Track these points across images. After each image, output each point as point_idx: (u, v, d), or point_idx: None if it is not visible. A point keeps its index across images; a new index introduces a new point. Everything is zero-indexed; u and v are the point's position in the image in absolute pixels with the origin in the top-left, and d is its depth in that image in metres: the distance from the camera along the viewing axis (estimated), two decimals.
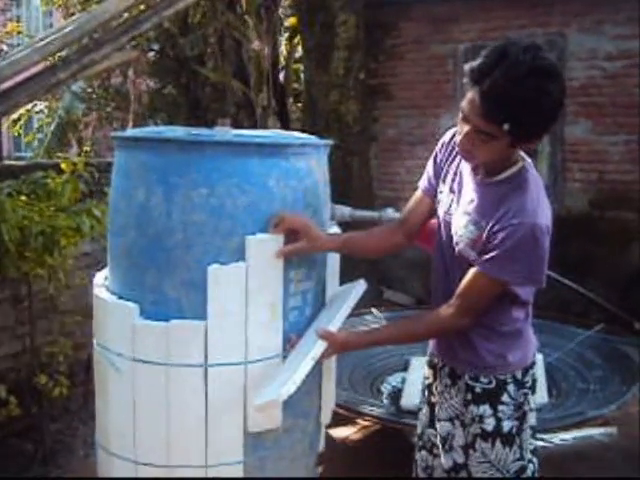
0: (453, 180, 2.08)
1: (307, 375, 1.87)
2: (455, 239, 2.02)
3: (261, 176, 1.97)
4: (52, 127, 9.73)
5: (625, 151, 6.26)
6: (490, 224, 1.91)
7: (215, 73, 8.03)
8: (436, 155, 2.17)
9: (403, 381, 3.92)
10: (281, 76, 8.32)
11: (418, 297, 6.46)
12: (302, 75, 7.60)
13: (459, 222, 2.01)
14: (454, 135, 2.09)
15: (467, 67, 1.84)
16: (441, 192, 2.12)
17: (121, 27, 4.51)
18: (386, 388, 3.95)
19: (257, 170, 1.97)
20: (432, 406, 2.24)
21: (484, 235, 1.92)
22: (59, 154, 8.66)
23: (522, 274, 1.91)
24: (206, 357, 1.96)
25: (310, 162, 2.11)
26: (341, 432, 3.94)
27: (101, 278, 2.24)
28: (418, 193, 2.24)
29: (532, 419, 2.13)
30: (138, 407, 2.01)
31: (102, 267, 2.33)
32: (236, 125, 7.49)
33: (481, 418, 2.06)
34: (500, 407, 2.05)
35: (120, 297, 2.06)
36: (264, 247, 1.96)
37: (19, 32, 12.33)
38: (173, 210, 1.94)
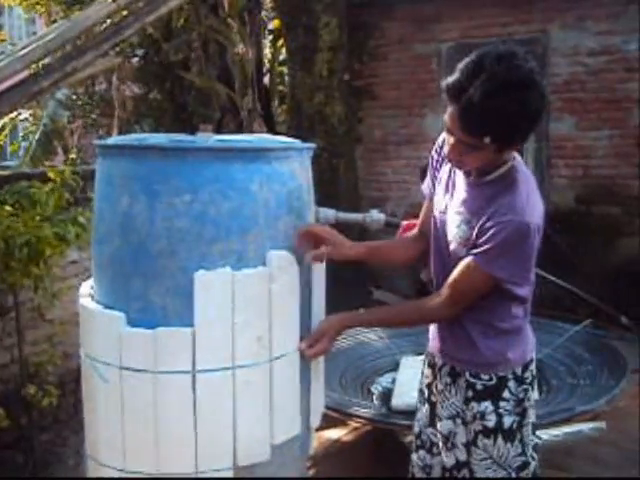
0: (447, 181, 2.12)
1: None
2: (449, 238, 2.06)
3: (244, 181, 1.97)
4: (37, 135, 9.68)
5: (609, 146, 6.30)
6: (480, 222, 1.94)
7: (200, 77, 8.02)
8: (432, 158, 2.22)
9: (393, 381, 3.92)
10: (266, 79, 8.32)
11: (407, 297, 6.47)
12: (287, 78, 7.61)
13: (452, 221, 2.05)
14: (438, 150, 2.19)
15: (444, 84, 1.89)
16: (437, 193, 2.16)
17: (103, 34, 4.52)
18: (376, 389, 3.96)
19: (240, 175, 1.97)
20: (433, 405, 2.26)
21: (474, 232, 1.95)
22: (45, 162, 8.66)
23: (509, 270, 1.94)
24: (194, 363, 1.95)
25: (293, 166, 2.11)
26: (332, 434, 3.95)
27: (87, 288, 2.23)
28: (426, 202, 2.28)
29: (532, 415, 2.16)
30: (126, 416, 2.01)
31: (89, 275, 2.32)
32: (222, 129, 7.51)
33: (482, 415, 2.08)
34: (501, 403, 2.07)
35: (106, 306, 2.05)
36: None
37: (2, 40, 12.28)
38: (156, 217, 1.93)
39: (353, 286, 6.02)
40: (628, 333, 4.57)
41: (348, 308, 4.17)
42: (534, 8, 6.47)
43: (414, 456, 2.34)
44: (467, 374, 2.11)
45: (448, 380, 2.18)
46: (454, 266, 2.02)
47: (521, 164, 2.02)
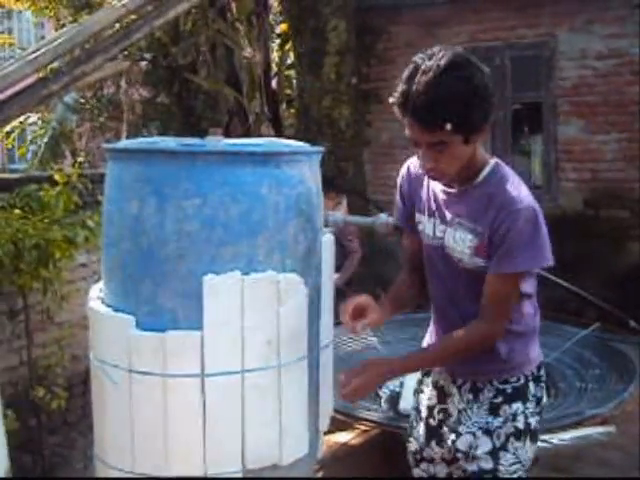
0: (429, 205, 2.11)
1: None
2: (455, 257, 2.03)
3: (253, 185, 1.97)
4: (45, 139, 9.73)
5: (617, 149, 6.28)
6: (489, 225, 1.93)
7: (208, 81, 8.05)
8: (401, 189, 2.23)
9: (401, 385, 3.92)
10: (273, 82, 8.33)
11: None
12: (294, 81, 7.62)
13: (454, 238, 2.03)
14: (409, 166, 2.20)
15: (390, 101, 1.93)
16: (420, 222, 2.15)
17: (112, 38, 4.53)
18: (384, 392, 3.95)
19: (249, 179, 1.97)
20: (431, 427, 2.23)
21: (486, 237, 1.94)
22: (53, 166, 8.70)
23: (535, 257, 1.95)
24: (203, 367, 1.95)
25: (302, 169, 2.11)
26: (341, 437, 3.95)
27: (96, 291, 2.24)
28: (407, 236, 2.27)
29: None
30: (135, 419, 2.01)
31: (98, 278, 2.33)
32: (229, 132, 7.53)
33: (514, 417, 2.07)
34: (527, 404, 2.08)
35: (115, 309, 2.06)
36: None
37: (11, 44, 12.35)
38: (166, 221, 1.94)
39: (361, 290, 6.01)
40: (636, 336, 4.55)
41: None
42: (542, 12, 6.47)
43: (416, 470, 2.31)
44: (495, 382, 2.08)
45: (470, 397, 2.13)
46: (475, 279, 2.00)
47: (503, 165, 2.04)
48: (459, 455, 2.14)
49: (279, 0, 7.96)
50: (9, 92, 3.94)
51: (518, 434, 2.06)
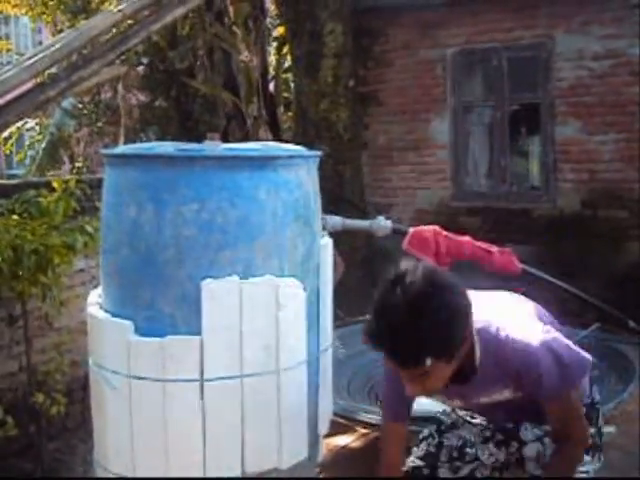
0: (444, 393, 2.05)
1: None
2: (499, 399, 2.03)
3: (251, 189, 1.98)
4: (43, 144, 9.73)
5: (615, 150, 6.28)
6: (513, 384, 1.92)
7: (205, 85, 8.04)
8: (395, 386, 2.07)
9: None
10: (271, 86, 8.34)
11: None
12: (292, 84, 7.62)
13: (474, 400, 2.04)
14: None
15: (363, 335, 1.83)
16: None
17: (109, 43, 4.53)
18: None
19: (247, 183, 1.98)
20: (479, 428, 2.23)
21: (521, 390, 1.93)
22: (51, 171, 8.69)
23: (571, 374, 1.93)
24: (202, 372, 1.96)
25: (300, 173, 2.11)
26: (341, 440, 3.94)
27: (95, 296, 2.24)
28: (390, 427, 2.20)
29: None
30: (135, 424, 2.01)
31: (97, 283, 2.33)
32: (227, 136, 7.53)
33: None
34: (592, 430, 2.13)
35: (114, 315, 2.06)
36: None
37: (8, 50, 12.36)
38: (164, 226, 1.94)
39: (360, 292, 6.01)
40: (636, 337, 4.54)
41: (355, 315, 4.17)
42: (539, 13, 6.47)
43: (442, 470, 2.25)
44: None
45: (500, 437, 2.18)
46: (520, 404, 2.00)
47: (486, 333, 1.92)
48: (526, 461, 2.13)
49: (276, 4, 7.96)
50: (7, 98, 3.94)
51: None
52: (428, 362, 1.73)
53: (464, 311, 1.79)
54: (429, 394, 1.96)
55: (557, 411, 1.94)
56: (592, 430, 2.10)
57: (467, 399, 2.05)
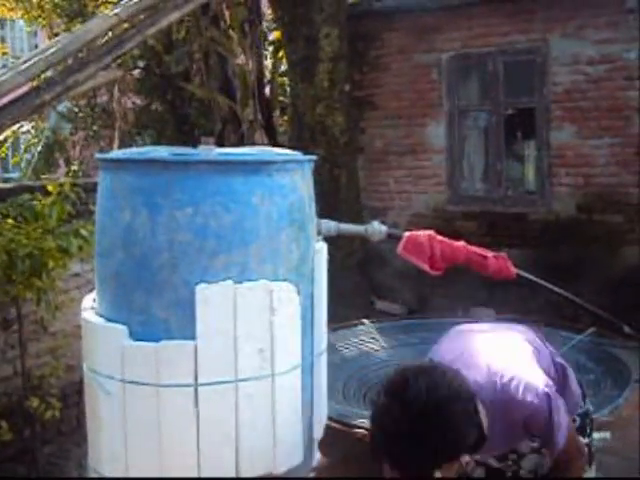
0: None
1: None
2: None
3: (245, 194, 1.98)
4: (39, 147, 9.72)
5: (610, 154, 6.29)
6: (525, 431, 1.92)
7: (201, 89, 8.05)
8: None
9: None
10: (267, 90, 8.34)
11: (409, 307, 6.47)
12: (288, 88, 7.63)
13: None
14: None
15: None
16: None
17: (105, 46, 4.53)
18: None
19: (241, 188, 1.97)
20: None
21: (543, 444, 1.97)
22: (46, 174, 8.68)
23: (567, 423, 1.93)
24: (196, 377, 1.95)
25: (294, 178, 2.11)
26: (335, 445, 3.93)
27: (89, 301, 2.23)
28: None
29: None
30: (129, 429, 2.01)
31: (92, 287, 2.32)
32: (223, 140, 7.53)
33: None
34: (586, 439, 2.19)
35: (109, 320, 2.05)
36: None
37: (4, 53, 12.35)
38: (158, 230, 1.94)
39: (355, 297, 6.01)
40: (631, 342, 4.55)
41: (350, 318, 4.16)
42: (534, 17, 6.48)
43: None
44: None
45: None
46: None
47: (481, 388, 1.85)
48: (522, 473, 2.13)
49: (272, 8, 7.96)
50: (2, 101, 3.93)
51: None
52: (438, 474, 1.64)
53: (471, 416, 1.66)
54: None
55: (563, 453, 1.94)
56: (586, 440, 2.14)
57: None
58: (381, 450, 1.68)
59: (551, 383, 1.91)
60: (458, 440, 1.63)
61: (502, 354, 1.94)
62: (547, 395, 1.85)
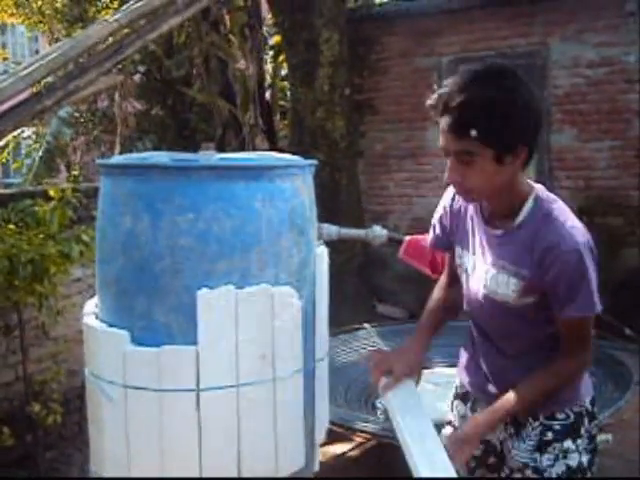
0: (472, 242, 2.00)
1: None
2: (498, 298, 1.92)
3: (246, 199, 1.98)
4: (40, 152, 9.73)
5: (610, 157, 6.31)
6: (535, 267, 1.83)
7: (201, 93, 8.07)
8: (441, 219, 2.14)
9: None
10: (267, 94, 8.36)
11: (411, 310, 6.47)
12: (288, 93, 7.64)
13: (497, 281, 1.91)
14: (454, 196, 2.09)
15: (427, 103, 1.83)
16: (460, 256, 2.05)
17: (106, 52, 4.54)
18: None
19: (242, 193, 1.98)
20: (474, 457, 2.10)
21: (534, 278, 1.84)
22: (47, 180, 8.69)
23: (594, 299, 1.83)
24: (198, 382, 1.96)
25: (295, 183, 2.12)
26: (337, 449, 3.94)
27: (91, 306, 2.24)
28: (447, 257, 2.21)
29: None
30: (131, 434, 2.01)
31: (93, 292, 2.33)
32: (224, 145, 7.54)
33: (565, 453, 1.95)
34: (579, 441, 1.96)
35: (110, 325, 2.06)
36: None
37: (5, 58, 12.38)
38: (160, 236, 1.94)
39: (356, 300, 6.02)
40: (632, 344, 4.55)
41: (352, 322, 4.17)
42: (534, 21, 6.50)
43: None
44: (541, 417, 1.97)
45: (512, 431, 2.02)
46: (518, 315, 1.91)
47: (545, 195, 1.90)
48: None
49: (272, 12, 7.98)
50: (3, 107, 3.95)
51: (570, 473, 1.94)
52: (473, 133, 1.71)
53: (529, 117, 1.76)
54: (465, 194, 1.88)
55: (567, 328, 1.86)
56: (577, 458, 1.97)
57: (484, 260, 1.94)
58: (440, 102, 1.77)
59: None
60: (503, 118, 1.72)
61: None
62: (580, 246, 1.80)
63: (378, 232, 3.11)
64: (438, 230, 2.15)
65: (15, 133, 8.93)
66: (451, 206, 2.10)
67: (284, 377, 2.05)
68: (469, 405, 2.15)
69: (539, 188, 1.91)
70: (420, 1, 7.27)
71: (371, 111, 7.40)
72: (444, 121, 1.77)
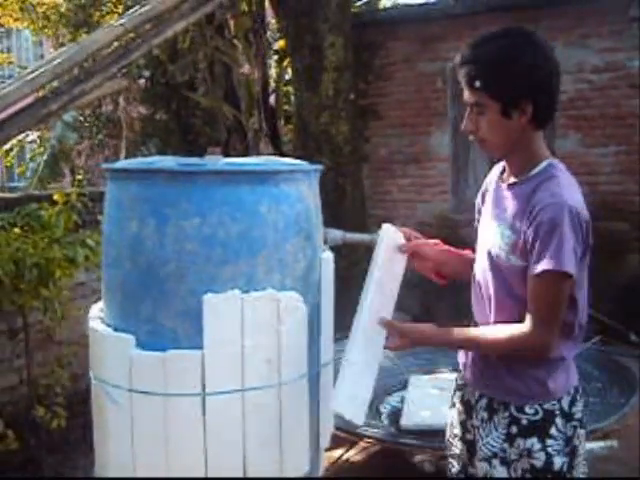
0: (488, 202, 2.10)
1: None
2: (494, 252, 1.96)
3: (252, 204, 1.98)
4: (45, 157, 9.75)
5: (615, 162, 6.30)
6: (525, 220, 1.87)
7: (206, 98, 8.07)
8: (477, 201, 2.22)
9: (402, 401, 3.91)
10: (271, 99, 8.36)
11: (415, 315, 6.46)
12: (292, 97, 7.65)
13: (495, 232, 1.98)
14: (491, 175, 2.17)
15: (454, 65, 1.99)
16: (478, 220, 2.16)
17: (111, 57, 4.55)
18: (385, 408, 3.95)
19: (248, 198, 1.98)
20: (468, 443, 2.11)
21: (522, 234, 1.88)
22: (52, 184, 8.71)
23: (574, 256, 1.85)
24: (204, 386, 1.96)
25: (301, 187, 2.12)
26: (342, 453, 3.93)
27: (96, 310, 2.24)
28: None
29: (583, 454, 2.01)
30: (137, 438, 2.01)
31: (98, 297, 2.33)
32: (228, 149, 7.55)
33: (529, 452, 1.92)
34: (549, 441, 1.92)
35: (116, 329, 2.06)
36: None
37: (10, 63, 12.42)
38: (166, 240, 1.95)
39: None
40: (637, 349, 4.55)
41: None
42: (538, 26, 6.49)
43: None
44: (512, 407, 1.95)
45: (485, 416, 2.02)
46: (506, 277, 1.93)
47: (562, 167, 1.98)
48: None
49: (276, 17, 7.99)
50: (9, 112, 3.96)
51: (535, 472, 1.92)
52: (477, 84, 1.88)
53: (536, 75, 1.88)
54: (482, 144, 1.99)
55: (533, 288, 1.87)
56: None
57: (492, 215, 2.03)
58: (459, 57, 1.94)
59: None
60: (507, 71, 1.87)
61: None
62: (566, 206, 1.85)
63: None
64: (476, 214, 2.21)
65: (20, 137, 8.96)
66: (485, 184, 2.18)
67: (289, 382, 2.05)
68: (465, 407, 2.15)
69: (557, 162, 1.99)
70: (424, 6, 7.28)
71: (375, 116, 7.40)
72: (460, 74, 1.94)
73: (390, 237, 2.16)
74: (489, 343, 1.96)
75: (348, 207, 6.67)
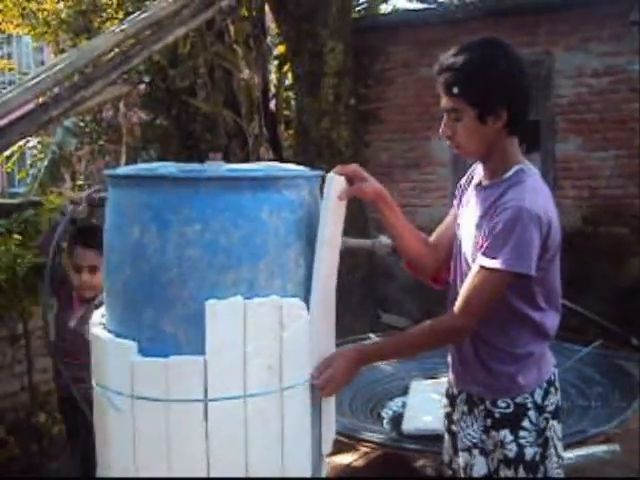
0: (465, 205, 2.19)
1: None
2: (463, 250, 2.10)
3: (254, 210, 1.98)
4: (45, 162, 9.76)
5: (616, 166, 6.31)
6: (487, 221, 1.98)
7: (206, 103, 8.09)
8: (459, 186, 2.31)
9: (403, 406, 3.91)
10: (272, 104, 8.38)
11: (415, 320, 6.46)
12: (293, 102, 7.66)
13: (466, 231, 2.09)
14: (467, 177, 2.27)
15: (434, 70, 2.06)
16: (457, 224, 2.22)
17: (111, 62, 4.56)
18: (387, 413, 3.95)
19: (250, 204, 1.98)
20: (454, 435, 2.23)
21: (482, 233, 1.98)
22: (52, 189, 8.71)
23: (511, 258, 1.90)
24: (206, 392, 1.95)
25: (302, 193, 2.12)
26: (343, 459, 3.93)
27: (98, 317, 2.24)
28: (447, 217, 2.34)
29: (559, 447, 2.09)
30: (138, 445, 2.00)
31: (99, 303, 2.33)
32: (228, 155, 7.56)
33: (502, 444, 2.04)
34: (521, 433, 2.03)
35: (118, 335, 2.06)
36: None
37: (10, 69, 12.43)
38: (168, 246, 1.95)
39: (361, 310, 6.02)
40: (639, 354, 4.54)
41: (357, 332, 4.16)
42: (538, 31, 6.52)
43: None
44: (487, 402, 2.08)
45: (465, 409, 2.15)
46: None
47: (534, 172, 2.07)
48: (462, 471, 2.15)
49: (277, 22, 8.01)
50: (10, 118, 3.97)
51: (508, 463, 2.02)
52: (455, 90, 1.96)
53: (509, 82, 1.98)
54: (458, 148, 2.07)
55: (470, 278, 1.96)
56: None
57: (467, 217, 2.11)
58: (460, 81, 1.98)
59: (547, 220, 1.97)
60: (481, 79, 1.96)
61: None
62: (524, 210, 1.91)
63: (384, 242, 3.11)
64: (452, 211, 2.31)
65: (20, 143, 8.97)
66: (462, 185, 2.27)
67: (291, 388, 2.05)
68: (449, 400, 2.28)
69: (530, 167, 2.07)
70: (424, 11, 7.29)
71: (376, 121, 7.41)
72: (438, 81, 2.02)
73: (337, 190, 2.17)
74: (416, 337, 2.09)
75: (348, 212, 6.66)
